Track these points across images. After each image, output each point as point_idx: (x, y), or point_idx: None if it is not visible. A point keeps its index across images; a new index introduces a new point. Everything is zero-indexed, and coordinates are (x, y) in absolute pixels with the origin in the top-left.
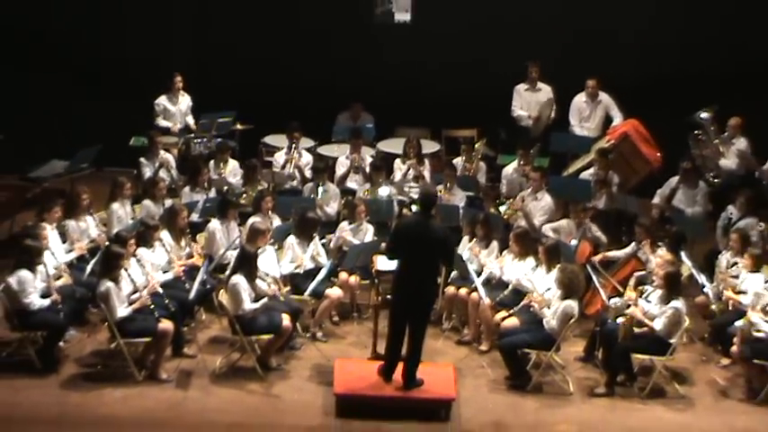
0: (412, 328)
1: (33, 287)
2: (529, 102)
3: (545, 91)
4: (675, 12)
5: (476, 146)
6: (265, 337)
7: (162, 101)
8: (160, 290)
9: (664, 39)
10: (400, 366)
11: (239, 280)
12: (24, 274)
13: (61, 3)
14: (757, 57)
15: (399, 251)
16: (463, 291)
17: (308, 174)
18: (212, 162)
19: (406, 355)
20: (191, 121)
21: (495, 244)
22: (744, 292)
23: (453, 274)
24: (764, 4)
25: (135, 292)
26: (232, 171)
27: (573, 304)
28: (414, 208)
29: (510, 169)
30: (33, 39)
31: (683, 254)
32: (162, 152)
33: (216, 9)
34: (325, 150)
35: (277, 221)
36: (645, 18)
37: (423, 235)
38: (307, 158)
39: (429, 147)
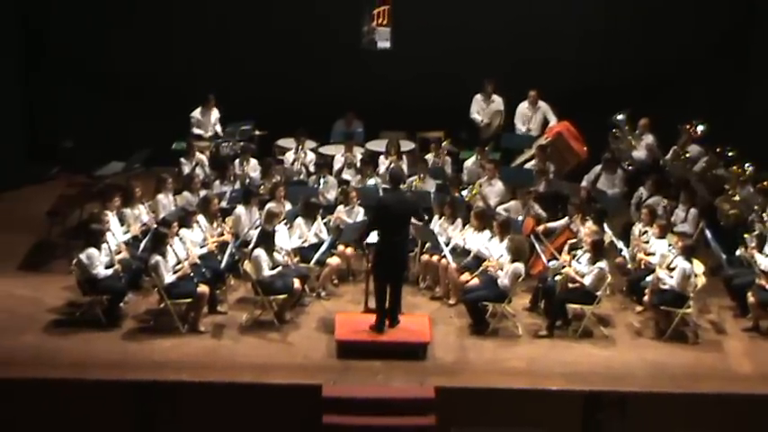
0: (393, 284)
1: (99, 261)
2: (484, 109)
3: (497, 102)
4: (597, 37)
5: (443, 144)
6: (281, 296)
7: (196, 114)
8: (198, 261)
9: (587, 59)
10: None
11: (260, 252)
12: (92, 251)
13: (121, 43)
14: (659, 72)
15: (380, 222)
16: (435, 258)
17: (311, 168)
18: (237, 161)
19: (390, 305)
20: (219, 129)
21: (459, 221)
22: (653, 254)
23: (427, 244)
24: (664, 33)
25: (178, 263)
26: (252, 167)
27: (520, 266)
28: None
29: (470, 162)
30: (98, 70)
31: (605, 225)
32: (197, 154)
33: (238, 41)
34: (324, 150)
35: (288, 206)
36: (573, 42)
37: (398, 203)
38: (310, 156)
39: (406, 146)
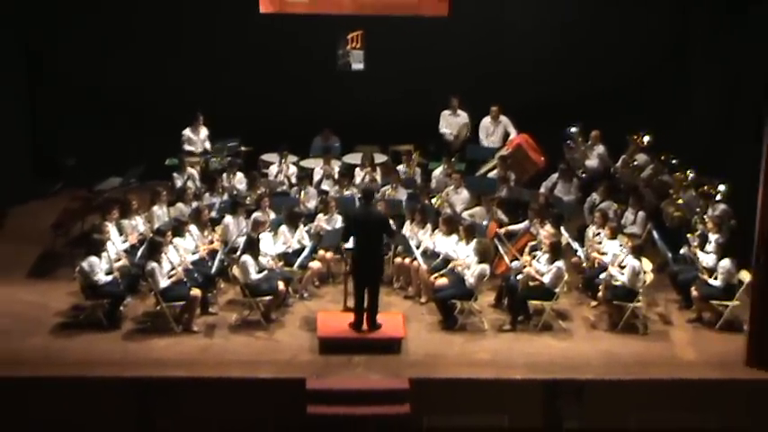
0: (369, 287)
1: (100, 268)
2: (451, 123)
3: (463, 116)
4: (550, 59)
5: (413, 156)
6: (267, 298)
7: (187, 132)
8: (190, 267)
9: (544, 77)
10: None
11: (247, 258)
12: (93, 259)
13: (118, 69)
14: (608, 89)
15: (353, 233)
16: (407, 260)
17: (293, 180)
18: (225, 174)
19: (367, 307)
20: (208, 145)
21: (429, 226)
22: (605, 254)
23: (399, 248)
24: (611, 54)
25: (172, 269)
26: (239, 180)
27: (485, 267)
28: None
29: (438, 172)
30: (97, 94)
31: (562, 228)
32: (188, 168)
33: (225, 67)
34: (305, 163)
35: (272, 215)
36: (529, 63)
37: (367, 218)
38: (292, 169)
39: (379, 158)
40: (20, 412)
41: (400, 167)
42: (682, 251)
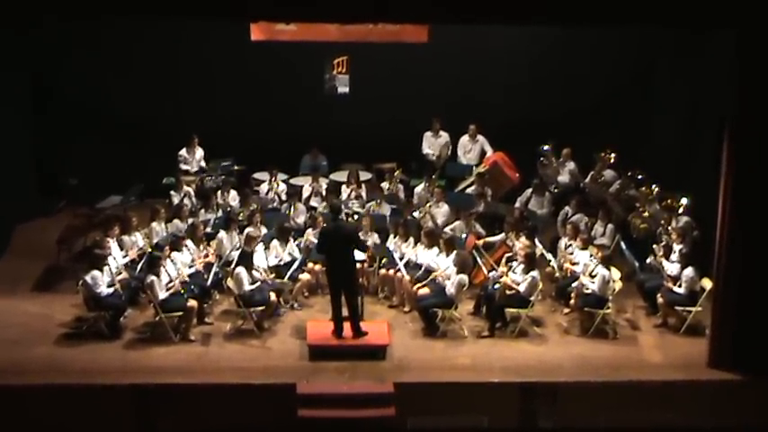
0: (346, 296)
1: (102, 281)
2: (433, 144)
3: (444, 137)
4: (525, 81)
5: (395, 174)
6: (259, 308)
7: (183, 153)
8: (187, 279)
9: (518, 99)
10: (347, 326)
11: (240, 270)
12: (96, 272)
13: (118, 93)
14: (579, 110)
15: (324, 246)
16: (391, 271)
17: (283, 197)
18: (219, 192)
19: (348, 316)
20: (203, 165)
21: (411, 239)
22: (577, 264)
23: (384, 260)
24: (581, 77)
25: (170, 281)
26: (232, 198)
27: (464, 277)
28: (356, 216)
29: (419, 188)
30: (98, 117)
31: (536, 240)
32: (185, 187)
33: (220, 90)
34: (294, 181)
35: (264, 230)
36: (505, 86)
37: (337, 232)
38: (282, 187)
39: (364, 176)
40: (26, 418)
41: (384, 184)
42: (648, 261)
